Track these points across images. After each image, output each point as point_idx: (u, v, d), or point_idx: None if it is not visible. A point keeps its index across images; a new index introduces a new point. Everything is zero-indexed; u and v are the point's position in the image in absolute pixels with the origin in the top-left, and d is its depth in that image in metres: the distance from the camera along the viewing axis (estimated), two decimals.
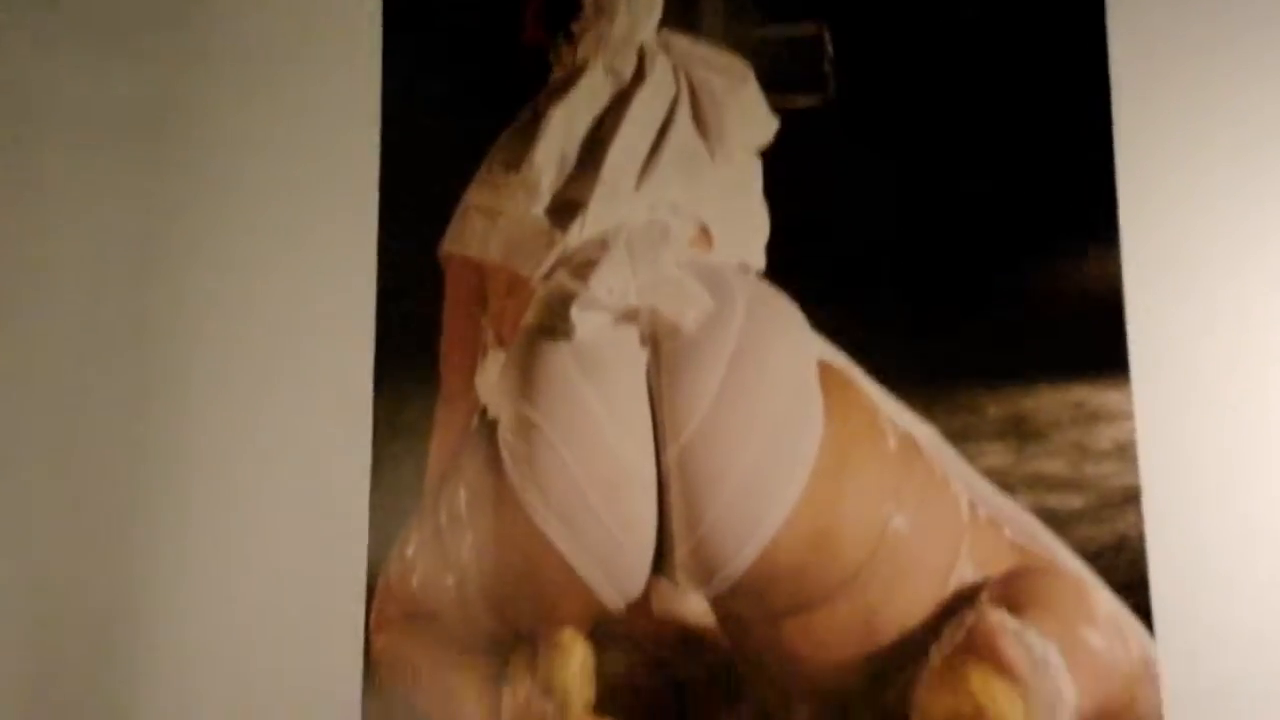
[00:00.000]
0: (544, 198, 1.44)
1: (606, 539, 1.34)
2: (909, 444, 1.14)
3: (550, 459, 1.40)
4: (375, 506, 1.60)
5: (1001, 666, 1.04)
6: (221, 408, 1.84)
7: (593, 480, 1.36)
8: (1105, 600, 1.00)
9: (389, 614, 1.56)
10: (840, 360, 1.20)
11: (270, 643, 1.74)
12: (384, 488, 1.59)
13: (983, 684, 1.04)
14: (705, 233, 1.33)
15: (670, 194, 1.35)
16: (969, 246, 1.16)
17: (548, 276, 1.41)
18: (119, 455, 1.86)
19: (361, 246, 1.60)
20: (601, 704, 1.34)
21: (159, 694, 1.89)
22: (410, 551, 1.54)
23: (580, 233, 1.40)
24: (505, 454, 1.43)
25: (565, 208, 1.43)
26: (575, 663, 1.36)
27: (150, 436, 1.87)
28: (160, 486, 1.91)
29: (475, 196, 1.51)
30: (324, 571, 1.67)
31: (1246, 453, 0.96)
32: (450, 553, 1.50)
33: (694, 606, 1.26)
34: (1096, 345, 1.06)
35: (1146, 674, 0.97)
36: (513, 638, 1.42)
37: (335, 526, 1.65)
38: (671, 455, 1.30)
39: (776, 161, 1.28)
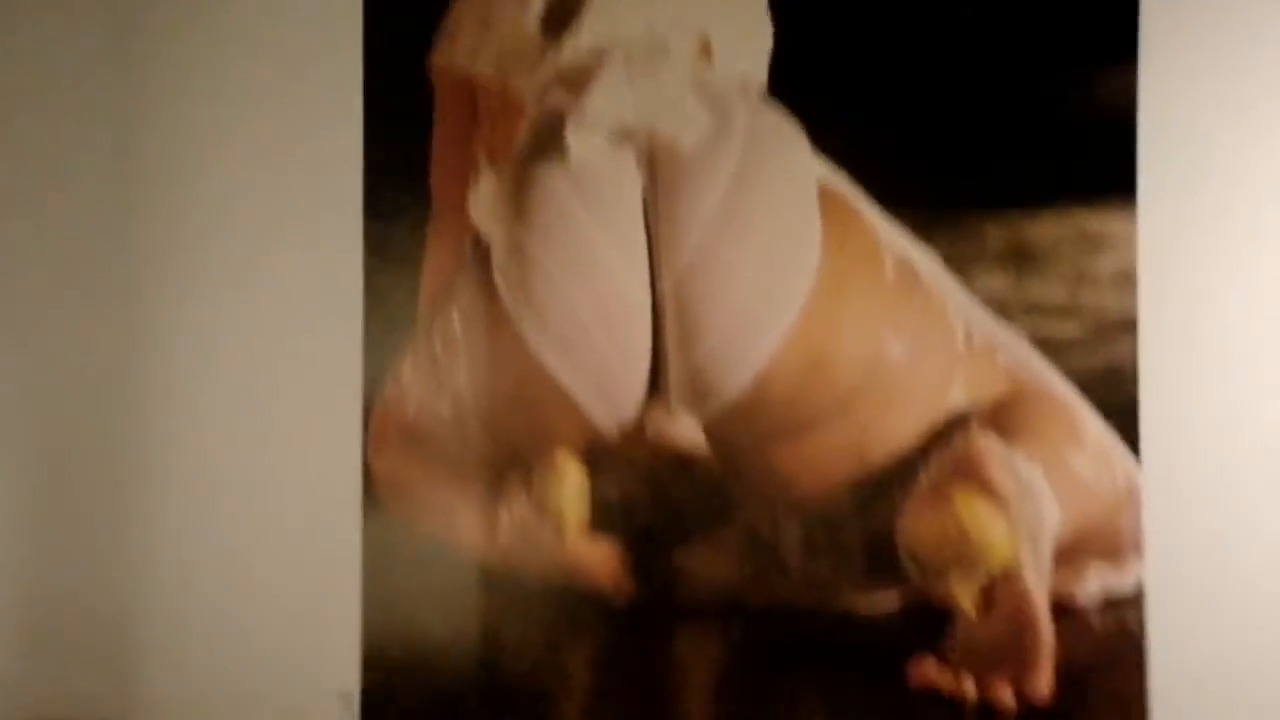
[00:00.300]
0: (537, 4, 1.37)
1: (601, 364, 1.34)
2: (907, 270, 1.12)
3: (545, 284, 1.38)
4: (369, 330, 1.60)
5: (987, 490, 1.05)
6: (213, 233, 1.82)
7: (588, 305, 1.35)
8: (1095, 427, 1.01)
9: (386, 437, 1.58)
10: (841, 184, 1.17)
11: (270, 466, 1.78)
12: (376, 311, 1.58)
13: (968, 507, 1.06)
14: (706, 47, 1.27)
15: (671, 1, 1.29)
16: (978, 66, 1.11)
17: (541, 94, 1.36)
18: (115, 281, 1.86)
19: (347, 59, 1.53)
20: (595, 524, 1.38)
21: (161, 518, 1.95)
22: (405, 376, 1.55)
23: (575, 43, 1.34)
24: (499, 279, 1.42)
25: (559, 15, 1.36)
26: (570, 484, 1.39)
27: (144, 267, 1.86)
28: (155, 317, 1.92)
29: (466, 4, 1.44)
30: (320, 395, 1.69)
31: (1248, 286, 0.94)
32: (445, 378, 1.50)
33: (687, 431, 1.27)
34: (1105, 169, 1.02)
35: (1130, 500, 0.98)
36: (508, 460, 1.44)
37: (330, 350, 1.65)
38: (667, 280, 1.28)
39: None
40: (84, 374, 1.85)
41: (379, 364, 1.58)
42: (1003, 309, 1.06)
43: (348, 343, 1.60)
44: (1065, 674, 1.01)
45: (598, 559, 1.36)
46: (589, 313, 1.34)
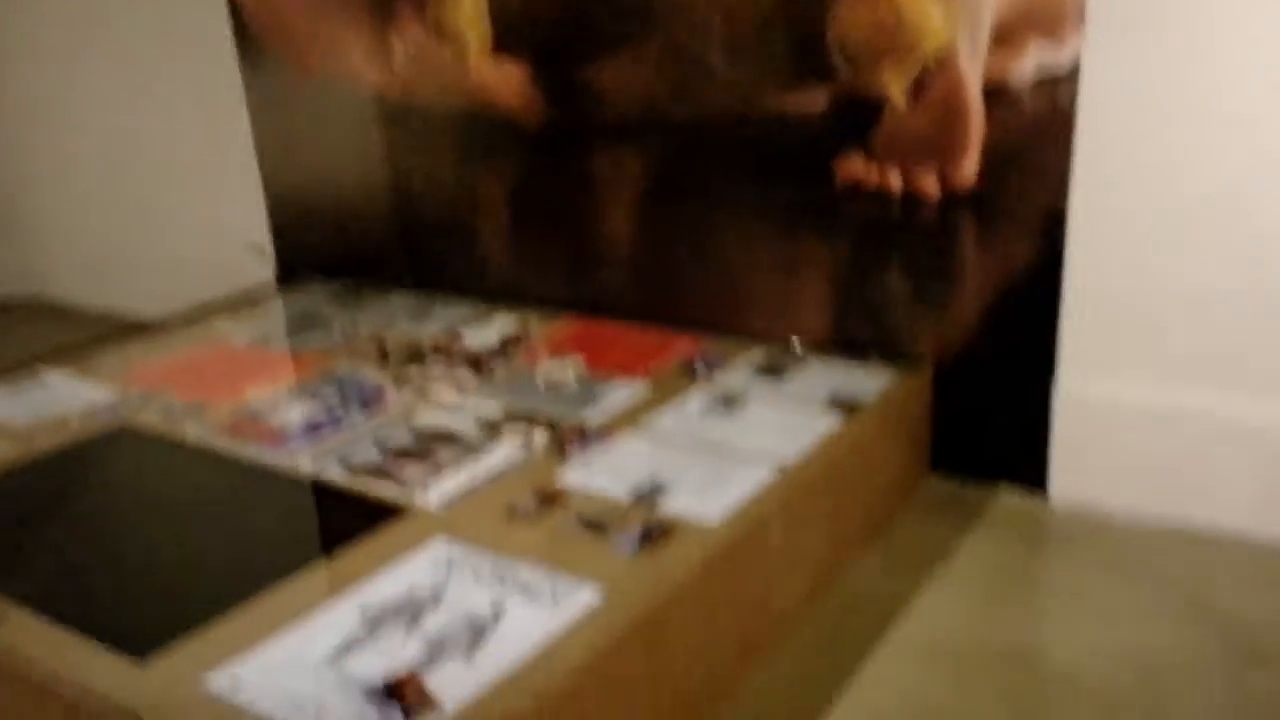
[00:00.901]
0: None
1: None
2: None
3: None
4: None
5: None
6: None
7: None
8: None
9: None
10: None
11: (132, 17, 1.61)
12: None
13: None
14: None
15: None
16: None
17: None
18: None
19: None
20: (499, 44, 1.27)
21: (40, 91, 1.78)
22: None
23: None
24: None
25: None
26: (468, 2, 1.26)
27: None
28: None
29: None
30: None
31: None
32: None
33: None
34: None
35: None
36: None
37: None
38: None
39: None
40: None
41: None
42: None
43: None
44: (990, 158, 1.00)
45: (504, 81, 1.27)
46: None
